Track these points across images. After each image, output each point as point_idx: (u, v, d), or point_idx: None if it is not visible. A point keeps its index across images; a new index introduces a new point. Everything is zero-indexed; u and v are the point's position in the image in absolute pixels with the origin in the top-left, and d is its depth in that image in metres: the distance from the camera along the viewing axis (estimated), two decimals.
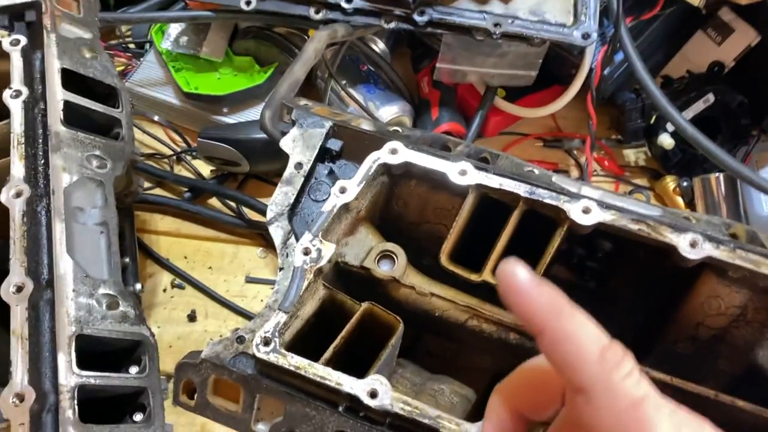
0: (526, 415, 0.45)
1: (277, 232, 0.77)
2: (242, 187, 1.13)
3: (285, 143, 0.81)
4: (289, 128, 0.85)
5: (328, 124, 0.82)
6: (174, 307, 1.03)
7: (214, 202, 1.12)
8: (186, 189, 1.11)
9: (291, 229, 0.77)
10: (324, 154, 0.81)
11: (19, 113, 0.78)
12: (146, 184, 1.13)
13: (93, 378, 0.68)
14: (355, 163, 0.82)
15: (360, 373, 0.72)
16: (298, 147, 0.81)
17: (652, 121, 1.09)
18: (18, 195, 0.72)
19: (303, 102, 0.88)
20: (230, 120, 1.13)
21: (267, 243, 1.08)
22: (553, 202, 0.72)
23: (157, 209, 1.10)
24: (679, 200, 1.09)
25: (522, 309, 0.40)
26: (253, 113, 1.14)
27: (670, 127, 1.06)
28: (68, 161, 0.78)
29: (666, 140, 1.06)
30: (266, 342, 0.69)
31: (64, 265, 0.71)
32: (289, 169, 0.80)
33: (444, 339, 0.86)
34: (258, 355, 0.68)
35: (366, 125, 0.83)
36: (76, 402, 0.65)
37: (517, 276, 0.40)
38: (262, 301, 1.04)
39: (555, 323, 0.39)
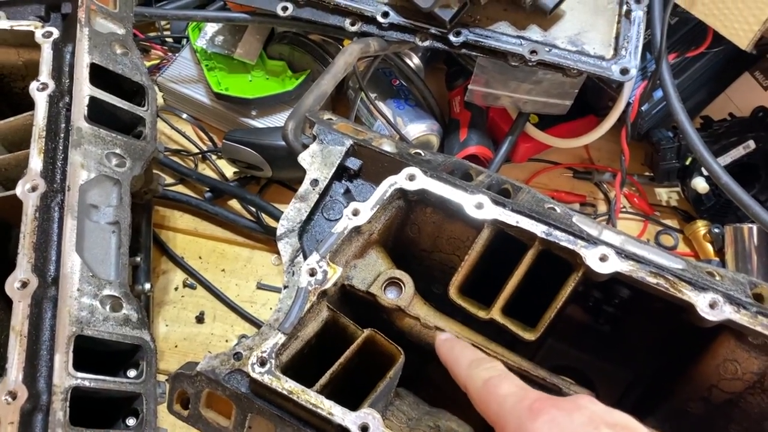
0: None
1: (285, 249, 0.76)
2: (263, 192, 1.13)
3: (303, 158, 0.80)
4: (311, 141, 0.85)
5: (348, 142, 0.80)
6: (184, 307, 1.03)
7: (234, 204, 1.12)
8: (207, 189, 1.11)
9: (300, 246, 0.76)
10: (341, 173, 0.80)
11: (44, 106, 0.78)
12: (169, 180, 1.13)
13: (88, 380, 0.67)
14: (373, 184, 0.80)
15: (356, 400, 0.70)
16: (316, 163, 0.80)
17: (688, 162, 1.05)
18: (33, 189, 0.72)
19: (327, 116, 0.87)
20: (258, 123, 1.12)
21: None
22: (570, 246, 0.70)
23: (178, 206, 1.10)
24: (709, 246, 1.05)
25: (439, 356, 0.68)
26: (280, 118, 1.13)
27: (705, 171, 1.02)
28: (87, 158, 0.78)
29: (700, 184, 1.02)
30: (262, 362, 0.68)
31: (72, 263, 0.71)
32: (305, 184, 0.79)
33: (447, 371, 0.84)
34: (252, 374, 0.67)
35: (387, 146, 0.81)
36: (68, 404, 0.65)
37: (438, 337, 0.70)
38: (270, 308, 1.03)
39: (449, 354, 0.65)
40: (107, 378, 0.70)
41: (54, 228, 0.73)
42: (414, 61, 1.15)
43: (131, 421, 0.74)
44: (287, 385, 0.67)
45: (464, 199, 0.73)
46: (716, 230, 1.03)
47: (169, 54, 1.23)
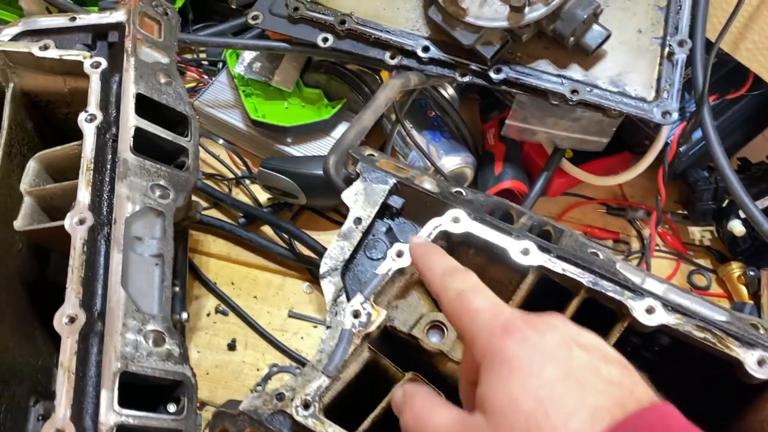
0: None
1: (328, 288, 0.76)
2: (296, 218, 1.13)
3: (347, 196, 0.81)
4: (348, 174, 0.85)
5: (391, 181, 0.81)
6: (215, 333, 1.04)
7: (267, 229, 1.12)
8: (241, 214, 1.11)
9: (343, 286, 0.76)
10: (384, 211, 0.80)
11: (92, 138, 0.78)
12: (202, 204, 1.13)
13: (132, 417, 0.67)
14: (414, 222, 0.81)
15: None
16: (359, 201, 0.80)
17: (724, 204, 1.04)
18: (81, 222, 0.73)
19: (368, 152, 0.87)
20: (293, 150, 1.13)
21: (313, 278, 1.08)
22: (617, 297, 0.70)
23: (211, 231, 1.11)
24: (743, 289, 1.05)
25: (412, 260, 0.65)
26: (316, 146, 1.13)
27: (742, 213, 1.01)
28: (133, 190, 0.78)
29: (737, 227, 1.02)
30: (306, 405, 0.68)
31: (117, 298, 0.71)
32: (348, 223, 0.79)
33: None
34: (296, 417, 0.67)
35: (429, 185, 0.81)
36: None
37: (411, 240, 0.65)
38: (302, 338, 1.04)
39: (422, 259, 0.60)
40: (151, 415, 0.70)
41: (100, 261, 0.74)
42: (449, 92, 1.15)
43: None
44: (331, 430, 0.67)
45: (510, 244, 0.73)
46: (752, 273, 1.03)
47: (205, 77, 1.24)
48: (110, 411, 0.66)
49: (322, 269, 0.76)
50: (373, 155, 0.86)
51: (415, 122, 1.12)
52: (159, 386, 0.75)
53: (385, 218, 0.81)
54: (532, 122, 1.03)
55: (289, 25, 1.02)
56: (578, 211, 1.16)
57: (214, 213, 1.13)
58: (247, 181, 1.16)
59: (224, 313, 1.05)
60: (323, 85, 1.15)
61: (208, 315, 1.05)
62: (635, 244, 1.13)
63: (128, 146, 0.80)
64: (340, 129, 1.14)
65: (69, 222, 0.73)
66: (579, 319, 0.73)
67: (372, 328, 0.71)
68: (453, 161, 1.08)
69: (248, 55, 1.15)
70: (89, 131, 0.79)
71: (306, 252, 1.08)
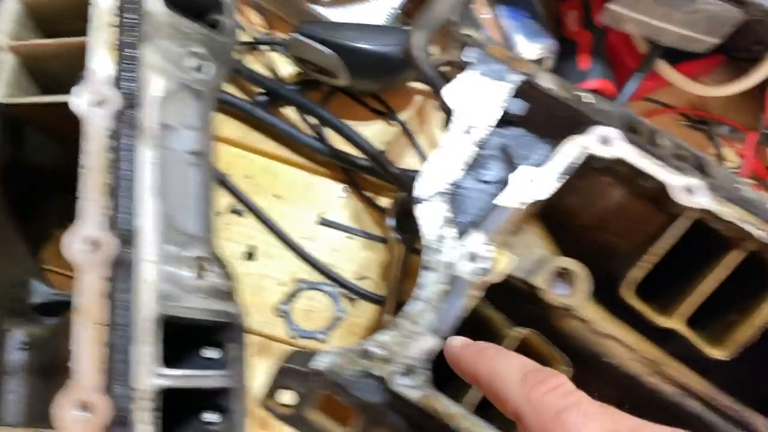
0: None
1: (428, 216, 0.58)
2: (327, 102, 0.91)
3: (451, 94, 0.60)
4: (437, 62, 0.65)
5: (516, 78, 0.61)
6: (230, 238, 0.84)
7: (288, 112, 0.91)
8: (261, 90, 0.89)
9: (450, 216, 0.58)
10: (502, 119, 0.61)
11: None
12: None
13: (177, 378, 0.50)
14: (536, 136, 0.62)
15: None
16: (468, 102, 0.60)
17: None
18: (101, 103, 0.50)
19: (465, 31, 0.66)
20: (328, 13, 0.89)
21: (350, 180, 0.88)
22: None
23: (222, 109, 0.88)
24: None
25: (459, 367, 0.48)
26: (357, 10, 0.90)
27: None
28: (165, 59, 0.55)
29: None
30: (409, 371, 0.52)
31: (150, 213, 0.51)
32: (456, 131, 0.59)
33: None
34: (394, 387, 0.52)
35: (551, 83, 0.62)
36: (156, 413, 0.48)
37: (450, 346, 0.50)
38: (334, 250, 0.86)
39: (481, 364, 0.45)
40: (199, 373, 0.53)
41: (122, 161, 0.52)
42: None
43: (210, 417, 0.57)
44: (444, 407, 0.51)
45: (671, 179, 0.57)
46: None
47: None
48: (150, 372, 0.48)
49: (421, 191, 0.57)
50: (470, 36, 0.65)
51: None
52: (198, 329, 0.57)
53: (501, 128, 0.61)
54: (641, 9, 0.83)
55: None
56: (654, 120, 0.99)
57: (226, 88, 0.89)
58: (266, 49, 0.91)
59: (239, 214, 0.85)
60: None
61: (218, 214, 0.85)
62: None
63: None
64: None
65: (81, 101, 0.50)
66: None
67: (496, 277, 0.54)
68: (535, 48, 0.87)
69: None
70: None
71: (338, 144, 0.88)
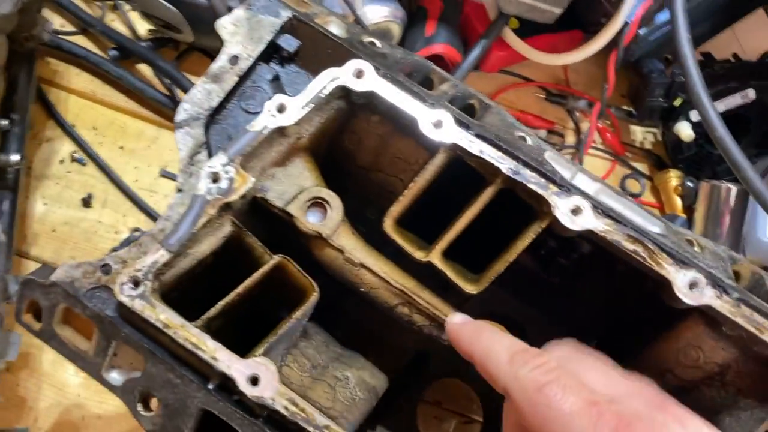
0: None
1: (185, 140, 0.59)
2: (181, 59, 0.93)
3: (223, 25, 0.62)
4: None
5: (285, 14, 0.63)
6: (68, 185, 0.86)
7: (144, 69, 0.93)
8: (114, 46, 0.91)
9: (206, 141, 0.59)
10: (272, 53, 0.63)
11: None
12: (68, 28, 0.92)
13: None
14: (310, 73, 0.64)
15: (254, 339, 0.58)
16: (239, 35, 0.62)
17: (676, 103, 0.92)
18: None
19: None
20: None
21: None
22: (540, 191, 0.57)
23: (74, 61, 0.90)
24: (678, 201, 0.95)
25: (457, 345, 0.52)
26: None
27: (694, 116, 0.89)
28: None
29: (684, 130, 0.90)
30: (135, 282, 0.53)
31: None
32: (221, 60, 0.61)
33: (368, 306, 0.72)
34: (120, 297, 0.53)
35: (336, 28, 0.64)
36: None
37: (450, 321, 0.55)
38: None
39: (476, 344, 0.50)
40: None
41: None
42: None
43: None
44: (163, 317, 0.53)
45: (421, 112, 0.58)
46: (689, 184, 0.92)
47: None
48: None
49: (179, 116, 0.59)
50: None
51: None
52: None
53: (273, 63, 0.63)
54: None
55: None
56: (514, 92, 1.01)
57: (81, 40, 0.92)
58: (126, 7, 0.94)
59: (81, 162, 0.87)
60: None
61: (62, 162, 0.87)
62: (570, 138, 1.00)
63: None
64: None
65: None
66: (489, 214, 0.61)
67: (233, 197, 0.56)
68: (379, 12, 0.89)
69: None
70: None
71: None
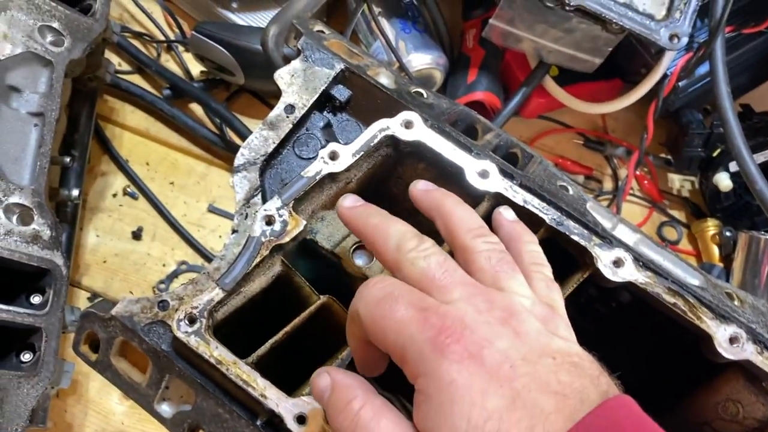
0: None
1: (242, 184, 0.62)
2: (232, 100, 0.97)
3: (281, 75, 0.66)
4: (295, 55, 0.70)
5: (339, 66, 0.66)
6: (120, 218, 0.90)
7: (196, 108, 0.97)
8: (167, 85, 0.95)
9: (260, 185, 0.62)
10: (325, 102, 0.66)
11: None
12: (124, 67, 0.97)
13: None
14: (360, 122, 0.67)
15: (300, 375, 0.60)
16: (295, 84, 0.65)
17: (715, 154, 0.93)
18: None
19: (318, 27, 0.71)
20: (237, 18, 0.96)
21: None
22: (583, 242, 0.58)
23: (130, 100, 0.95)
24: (715, 249, 0.95)
25: (351, 228, 0.51)
26: (265, 17, 0.96)
27: (732, 166, 0.90)
28: (13, 27, 0.62)
29: (723, 181, 0.91)
30: (191, 319, 0.56)
31: None
32: (278, 109, 0.64)
33: None
34: (177, 333, 0.55)
35: (385, 79, 0.67)
36: None
37: (341, 207, 0.52)
38: (220, 237, 0.91)
39: (364, 226, 0.49)
40: (11, 308, 0.57)
41: None
42: None
43: (26, 356, 0.62)
44: (216, 353, 0.55)
45: (467, 162, 0.60)
46: (728, 234, 0.93)
47: None
48: None
49: (238, 161, 0.62)
50: (323, 32, 0.71)
51: (386, 7, 0.95)
52: (24, 274, 0.62)
53: (326, 111, 0.66)
54: (520, 26, 0.88)
55: None
56: (552, 138, 1.03)
57: (136, 79, 0.96)
58: (181, 48, 0.98)
59: (133, 196, 0.91)
60: None
61: (114, 196, 0.91)
62: (608, 184, 1.01)
63: None
64: None
65: None
66: None
67: (286, 239, 0.58)
68: (422, 59, 0.93)
69: None
70: None
71: (238, 141, 0.93)
